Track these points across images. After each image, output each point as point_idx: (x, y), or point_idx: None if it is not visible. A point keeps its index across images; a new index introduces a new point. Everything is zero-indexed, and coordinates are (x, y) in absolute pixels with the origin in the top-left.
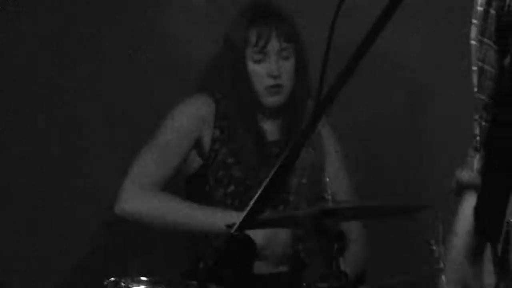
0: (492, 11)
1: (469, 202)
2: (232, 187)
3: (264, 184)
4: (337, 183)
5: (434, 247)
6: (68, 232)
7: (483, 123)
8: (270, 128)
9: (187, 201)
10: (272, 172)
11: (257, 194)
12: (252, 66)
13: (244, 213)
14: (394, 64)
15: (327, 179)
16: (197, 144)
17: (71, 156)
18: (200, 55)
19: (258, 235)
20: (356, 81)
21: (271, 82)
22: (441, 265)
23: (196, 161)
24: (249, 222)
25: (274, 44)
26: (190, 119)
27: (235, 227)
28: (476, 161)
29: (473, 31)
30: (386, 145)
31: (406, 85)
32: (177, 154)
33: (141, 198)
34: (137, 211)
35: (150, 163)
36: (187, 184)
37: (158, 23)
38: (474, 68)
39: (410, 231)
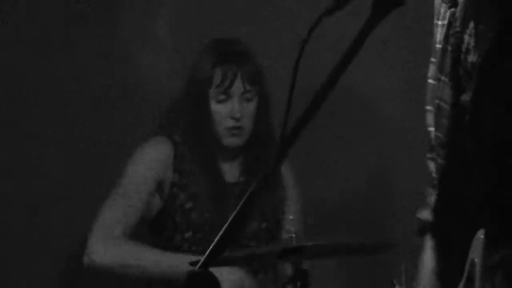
0: (449, 48)
1: (429, 246)
2: (190, 233)
3: (227, 224)
4: (297, 220)
5: (397, 287)
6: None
7: (439, 161)
8: (229, 169)
9: (153, 249)
10: (236, 212)
11: (220, 233)
12: (214, 106)
13: (207, 252)
14: (361, 103)
15: (291, 217)
16: (159, 188)
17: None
18: (166, 89)
19: (224, 283)
20: (323, 122)
21: (231, 123)
22: None
23: (157, 205)
24: (212, 259)
25: (238, 86)
26: (150, 163)
27: (199, 264)
28: (433, 199)
29: (431, 70)
30: (352, 184)
31: (373, 125)
32: (140, 200)
33: (108, 250)
34: (105, 263)
35: (115, 214)
36: (149, 227)
37: (123, 56)
38: (429, 107)
39: (374, 271)
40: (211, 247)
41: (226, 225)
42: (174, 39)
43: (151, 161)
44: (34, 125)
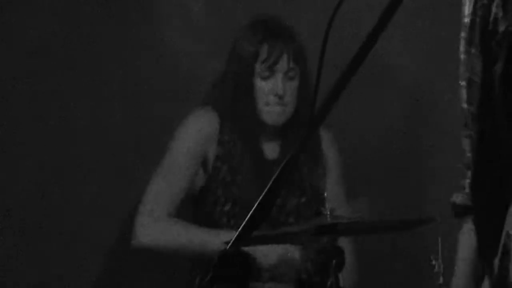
0: (478, 20)
1: (467, 227)
2: (228, 206)
3: (260, 199)
4: (334, 197)
5: (434, 262)
6: (77, 240)
7: (474, 135)
8: (269, 147)
9: (196, 227)
10: (268, 187)
11: (253, 209)
12: (258, 82)
13: (238, 230)
14: (391, 76)
15: (325, 194)
16: (204, 162)
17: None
18: (200, 69)
19: (270, 255)
20: (353, 96)
21: (275, 100)
22: (441, 280)
23: (201, 179)
24: (245, 238)
25: (283, 63)
26: (195, 138)
27: (230, 243)
28: (467, 180)
29: (462, 45)
30: (385, 160)
31: (404, 98)
32: (185, 178)
33: (152, 233)
34: (149, 245)
35: (162, 192)
36: (192, 202)
37: (157, 37)
38: (462, 82)
39: (410, 247)
40: (242, 225)
41: (257, 203)
42: (208, 20)
43: (196, 135)
44: (78, 102)
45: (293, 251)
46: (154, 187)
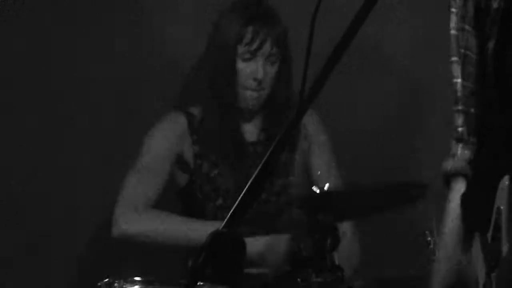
0: None
1: (457, 189)
2: (220, 201)
3: (250, 181)
4: (327, 175)
5: (429, 238)
6: (63, 232)
7: (472, 110)
8: (248, 129)
9: (177, 216)
10: (257, 170)
11: (243, 192)
12: (240, 64)
13: (230, 212)
14: (384, 58)
15: (318, 173)
16: (180, 161)
17: (66, 157)
18: (188, 53)
19: (259, 244)
20: (347, 77)
21: (253, 85)
22: (436, 255)
23: (183, 178)
24: (236, 220)
25: (266, 48)
26: (166, 137)
27: (222, 224)
28: (459, 149)
29: (453, 20)
30: (377, 139)
31: (397, 78)
32: (160, 174)
33: (136, 219)
34: (130, 233)
35: (138, 186)
36: (180, 198)
37: (144, 22)
38: (454, 58)
39: (404, 225)
40: (233, 207)
41: (248, 184)
42: (195, 6)
43: (167, 134)
44: (60, 98)
45: (280, 240)
46: (130, 182)
